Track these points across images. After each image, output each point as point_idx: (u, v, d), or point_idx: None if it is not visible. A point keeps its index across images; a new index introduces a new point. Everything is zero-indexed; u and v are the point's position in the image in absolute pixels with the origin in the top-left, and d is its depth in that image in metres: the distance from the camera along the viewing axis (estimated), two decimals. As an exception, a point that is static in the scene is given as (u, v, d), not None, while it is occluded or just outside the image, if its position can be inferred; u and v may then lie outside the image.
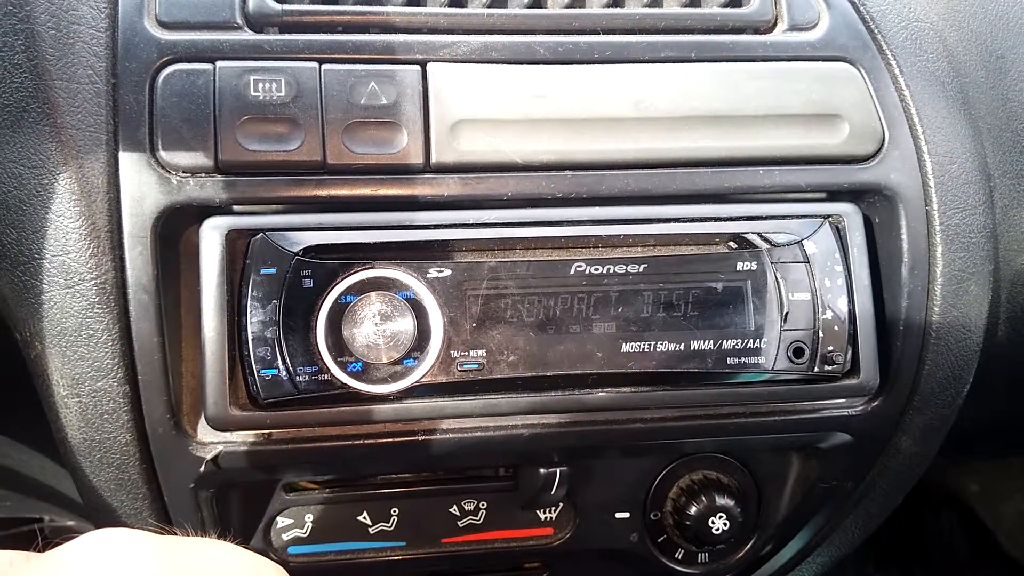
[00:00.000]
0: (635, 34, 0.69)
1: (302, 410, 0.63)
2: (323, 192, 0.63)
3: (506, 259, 0.65)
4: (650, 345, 0.66)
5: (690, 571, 0.82)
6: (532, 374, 0.65)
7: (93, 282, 0.60)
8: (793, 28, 0.71)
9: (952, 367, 0.74)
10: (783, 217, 0.69)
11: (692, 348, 0.66)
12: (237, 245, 0.62)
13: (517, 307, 0.64)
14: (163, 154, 0.61)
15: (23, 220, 0.60)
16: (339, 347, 0.62)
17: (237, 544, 0.43)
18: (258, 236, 0.62)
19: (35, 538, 0.51)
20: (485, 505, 0.78)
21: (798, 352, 0.67)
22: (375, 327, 0.62)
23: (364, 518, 0.77)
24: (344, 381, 0.62)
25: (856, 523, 0.83)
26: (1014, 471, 1.41)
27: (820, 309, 0.68)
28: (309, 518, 0.75)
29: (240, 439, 0.64)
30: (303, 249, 0.62)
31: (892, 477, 0.79)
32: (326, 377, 0.62)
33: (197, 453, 0.64)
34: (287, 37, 0.64)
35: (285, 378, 0.61)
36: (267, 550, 0.75)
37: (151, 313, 0.61)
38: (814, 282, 0.68)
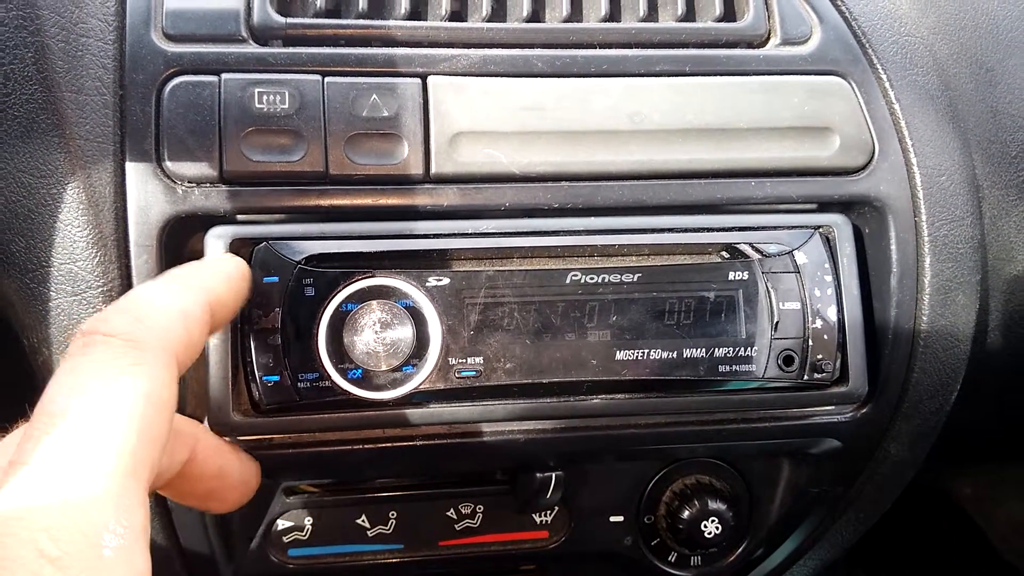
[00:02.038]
0: (631, 48, 0.70)
1: (303, 416, 0.64)
2: (325, 202, 0.64)
3: (503, 268, 0.66)
4: (644, 353, 0.67)
5: (683, 574, 0.83)
6: (528, 381, 0.66)
7: (100, 289, 0.62)
8: (786, 42, 0.73)
9: (940, 375, 0.75)
10: (774, 228, 0.70)
11: (685, 356, 0.68)
12: (241, 253, 0.63)
13: (514, 315, 0.66)
14: (169, 164, 0.62)
15: (32, 228, 0.62)
16: (340, 354, 0.63)
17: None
18: (261, 245, 0.63)
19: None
20: (482, 509, 0.79)
21: (788, 360, 0.69)
22: (375, 335, 0.63)
23: (363, 521, 0.78)
24: (344, 388, 0.63)
25: (846, 527, 0.85)
26: (1007, 476, 1.42)
27: (810, 318, 0.69)
28: (309, 521, 0.77)
29: (242, 444, 0.65)
30: (305, 258, 0.63)
31: (881, 482, 0.80)
32: (327, 384, 0.63)
33: (200, 457, 0.65)
34: (291, 50, 0.65)
35: (287, 384, 0.63)
36: (269, 551, 0.76)
37: (156, 320, 0.63)
38: (804, 292, 0.69)
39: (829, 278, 0.70)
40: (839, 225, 0.71)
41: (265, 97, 0.63)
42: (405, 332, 0.64)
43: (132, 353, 0.43)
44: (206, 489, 0.56)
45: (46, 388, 0.42)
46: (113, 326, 0.44)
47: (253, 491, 0.60)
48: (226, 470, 0.56)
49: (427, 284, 0.65)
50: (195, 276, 0.52)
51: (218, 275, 0.54)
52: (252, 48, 0.65)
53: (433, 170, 0.65)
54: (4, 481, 0.38)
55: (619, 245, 0.68)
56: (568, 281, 0.67)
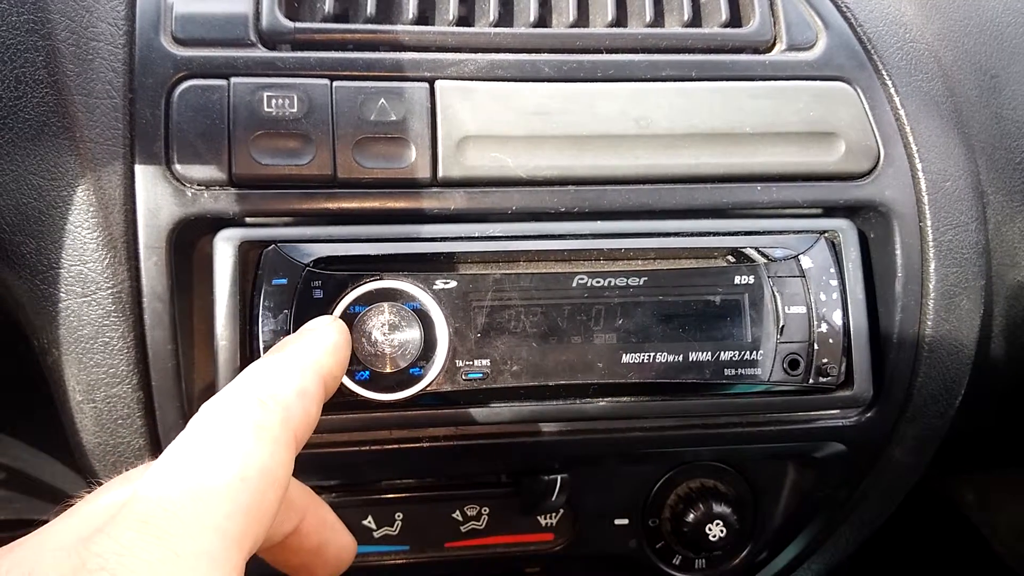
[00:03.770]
0: (637, 53, 0.70)
1: (311, 417, 0.64)
2: (333, 205, 0.65)
3: (510, 271, 0.67)
4: (650, 356, 0.68)
5: (687, 577, 0.83)
6: (535, 384, 0.67)
7: (109, 291, 0.62)
8: (791, 48, 0.73)
9: (944, 380, 0.75)
10: (780, 232, 0.71)
11: (690, 359, 0.68)
12: (249, 256, 0.64)
13: (520, 318, 0.66)
14: (178, 167, 0.63)
15: (42, 230, 0.62)
16: (347, 356, 0.63)
17: None
18: (270, 248, 0.64)
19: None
20: (487, 511, 0.79)
21: (793, 364, 0.69)
22: (383, 337, 0.64)
23: (369, 522, 0.78)
24: (352, 389, 0.64)
25: (850, 531, 0.85)
26: (1010, 482, 1.42)
27: (815, 322, 0.69)
28: (315, 522, 0.77)
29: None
30: (313, 260, 0.64)
31: (885, 486, 0.80)
32: (334, 385, 0.63)
33: (208, 458, 0.65)
34: (299, 54, 0.66)
35: (295, 386, 0.63)
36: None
37: (165, 321, 0.63)
38: (810, 296, 0.69)
39: (834, 282, 0.70)
40: (844, 230, 0.71)
41: (274, 101, 0.63)
42: (412, 334, 0.64)
43: (255, 431, 0.44)
44: (301, 562, 0.55)
45: (170, 445, 0.43)
46: (238, 404, 0.46)
47: (344, 569, 0.59)
48: (324, 547, 0.56)
49: (434, 287, 0.65)
50: (309, 355, 0.54)
51: (327, 350, 0.55)
52: (261, 52, 0.65)
53: (440, 174, 0.65)
54: (114, 516, 0.39)
55: (625, 249, 0.69)
56: (574, 284, 0.67)
